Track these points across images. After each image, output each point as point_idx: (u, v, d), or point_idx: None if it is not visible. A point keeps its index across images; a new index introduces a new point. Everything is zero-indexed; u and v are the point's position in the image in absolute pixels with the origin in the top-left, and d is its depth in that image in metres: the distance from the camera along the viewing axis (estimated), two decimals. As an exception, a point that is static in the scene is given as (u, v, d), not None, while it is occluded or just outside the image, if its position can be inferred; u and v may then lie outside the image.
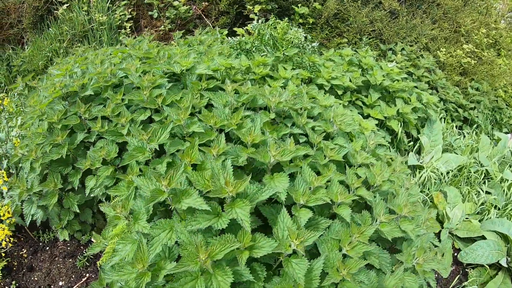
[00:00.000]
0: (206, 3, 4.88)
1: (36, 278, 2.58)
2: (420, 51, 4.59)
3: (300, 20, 4.51)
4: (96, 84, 2.53)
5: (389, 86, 3.60)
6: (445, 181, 3.47)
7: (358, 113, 3.36)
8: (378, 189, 2.00)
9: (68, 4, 4.81)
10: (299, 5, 4.46)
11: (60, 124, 2.43)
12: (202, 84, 2.44)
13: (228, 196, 1.53)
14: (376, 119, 3.35)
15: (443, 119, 4.19)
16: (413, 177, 3.43)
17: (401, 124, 3.54)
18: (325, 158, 1.99)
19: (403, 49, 4.52)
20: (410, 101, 3.67)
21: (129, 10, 5.05)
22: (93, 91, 2.50)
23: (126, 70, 2.52)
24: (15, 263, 2.68)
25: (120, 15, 4.91)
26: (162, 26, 4.91)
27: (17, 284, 2.53)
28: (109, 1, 4.91)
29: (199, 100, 2.25)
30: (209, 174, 1.63)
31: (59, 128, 2.41)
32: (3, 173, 2.65)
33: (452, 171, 3.56)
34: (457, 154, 3.80)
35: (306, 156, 1.95)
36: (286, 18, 3.80)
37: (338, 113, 2.31)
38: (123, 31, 4.83)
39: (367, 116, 3.42)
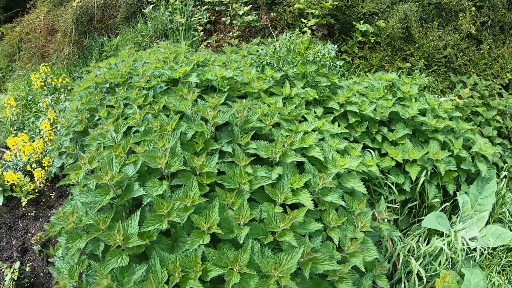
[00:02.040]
0: (274, 14, 5.40)
1: (49, 214, 3.56)
2: (499, 88, 4.26)
3: (361, 38, 4.64)
4: (115, 79, 3.32)
5: (424, 123, 3.43)
6: (472, 261, 2.98)
7: (376, 149, 3.34)
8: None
9: (154, 4, 5.94)
10: (361, 22, 4.60)
11: (84, 106, 3.28)
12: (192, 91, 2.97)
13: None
14: (395, 160, 3.22)
15: (503, 179, 3.63)
16: (425, 243, 3.06)
17: (427, 173, 3.27)
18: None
19: (476, 83, 4.26)
20: (454, 146, 3.38)
21: (208, 14, 5.92)
22: (109, 85, 3.29)
23: (138, 71, 3.24)
24: (43, 200, 3.80)
25: (198, 19, 5.81)
26: (231, 33, 5.62)
27: (35, 213, 3.64)
28: (192, 5, 5.86)
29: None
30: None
31: (85, 109, 3.26)
32: (51, 132, 3.75)
33: (492, 250, 3.05)
34: (512, 230, 3.19)
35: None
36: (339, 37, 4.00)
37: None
38: (195, 33, 5.70)
39: (384, 154, 3.33)
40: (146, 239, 1.84)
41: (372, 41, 4.61)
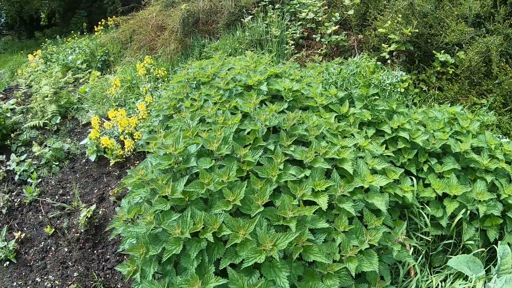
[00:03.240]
0: (362, 36, 5.98)
1: None
2: None
3: (440, 69, 4.90)
4: (202, 78, 4.24)
5: (475, 161, 3.59)
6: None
7: (420, 178, 3.58)
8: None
9: (253, 16, 6.89)
10: (442, 51, 4.90)
11: (174, 95, 4.25)
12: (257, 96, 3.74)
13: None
14: (436, 192, 3.42)
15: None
16: (448, 284, 3.11)
17: (466, 212, 3.37)
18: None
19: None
20: (503, 191, 3.46)
21: (302, 30, 6.70)
22: (196, 82, 4.22)
23: (221, 74, 4.12)
24: (127, 165, 4.96)
25: (292, 33, 6.62)
26: (320, 50, 6.32)
27: (119, 173, 4.82)
28: (287, 20, 6.71)
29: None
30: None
31: (174, 98, 4.23)
32: (146, 113, 4.83)
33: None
34: None
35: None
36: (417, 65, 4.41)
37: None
38: (287, 46, 6.51)
39: (428, 185, 3.57)
40: (187, 197, 2.64)
41: (451, 72, 4.84)
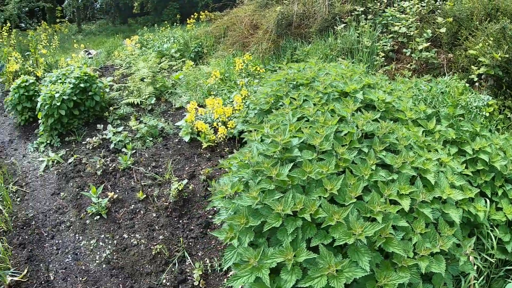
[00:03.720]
0: (452, 55, 6.16)
1: (219, 161, 5.20)
2: None
3: None
4: (301, 80, 4.71)
5: None
6: None
7: (494, 201, 3.77)
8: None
9: (346, 24, 7.27)
10: None
11: (273, 92, 4.76)
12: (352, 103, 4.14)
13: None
14: (506, 216, 3.62)
15: None
16: None
17: None
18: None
19: None
20: None
21: (392, 43, 6.98)
22: (295, 83, 4.69)
23: (319, 78, 4.56)
24: (217, 150, 5.58)
25: (382, 45, 6.92)
26: (409, 65, 6.57)
27: (209, 156, 5.42)
28: (379, 31, 7.01)
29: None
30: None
31: (273, 95, 4.74)
32: (241, 104, 5.39)
33: None
34: None
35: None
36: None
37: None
38: (377, 57, 6.82)
39: (499, 209, 3.75)
40: (290, 181, 3.11)
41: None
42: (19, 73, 10.52)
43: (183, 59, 9.75)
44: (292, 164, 3.21)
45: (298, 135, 3.52)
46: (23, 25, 22.39)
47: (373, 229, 2.86)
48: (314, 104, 4.09)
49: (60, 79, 7.27)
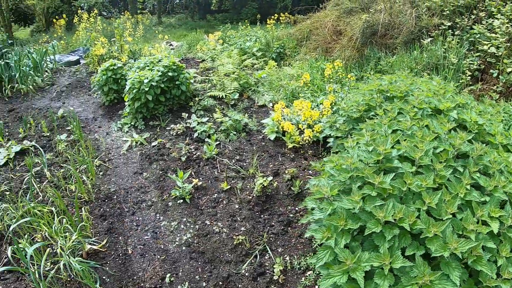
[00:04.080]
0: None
1: (303, 162, 5.55)
2: None
3: None
4: (394, 92, 4.90)
5: None
6: None
7: None
8: None
9: (433, 38, 7.31)
10: None
11: (365, 101, 4.97)
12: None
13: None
14: None
15: None
16: None
17: None
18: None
19: None
20: None
21: (479, 62, 6.95)
22: (388, 94, 4.89)
23: (413, 93, 4.72)
24: (301, 151, 5.91)
25: (469, 63, 6.91)
26: (495, 87, 6.54)
27: (293, 157, 5.73)
28: (466, 48, 7.00)
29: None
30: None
31: (364, 104, 4.95)
32: (329, 109, 5.65)
33: None
34: None
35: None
36: None
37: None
38: (463, 76, 6.83)
39: None
40: (391, 190, 3.35)
41: None
42: (104, 57, 11.38)
43: (264, 59, 10.12)
44: (394, 174, 3.45)
45: (397, 147, 3.74)
46: (105, 13, 23.94)
47: (467, 245, 3.05)
48: (411, 118, 4.28)
49: (148, 66, 7.85)
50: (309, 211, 3.87)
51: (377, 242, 3.21)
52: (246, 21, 14.97)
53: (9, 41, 13.01)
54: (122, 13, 22.91)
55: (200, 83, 8.84)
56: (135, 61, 10.87)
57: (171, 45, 14.11)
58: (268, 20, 12.43)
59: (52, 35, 19.90)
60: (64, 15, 19.33)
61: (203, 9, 24.96)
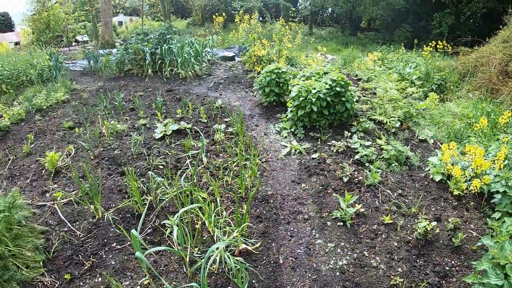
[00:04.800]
0: None
1: (465, 213, 5.40)
2: None
3: None
4: None
5: None
6: None
7: None
8: None
9: None
10: None
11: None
12: None
13: None
14: None
15: None
16: None
17: None
18: None
19: None
20: None
21: None
22: None
23: None
24: (463, 201, 5.56)
25: None
26: None
27: (455, 205, 5.50)
28: None
29: None
30: None
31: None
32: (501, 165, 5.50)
33: None
34: None
35: None
36: None
37: None
38: None
39: None
40: None
41: None
42: (262, 58, 12.05)
43: (423, 89, 9.97)
44: None
45: None
46: (260, 18, 25.38)
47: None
48: None
49: (314, 76, 8.15)
50: (474, 272, 3.70)
51: None
52: (401, 44, 14.75)
53: (173, 29, 14.45)
54: (276, 19, 24.05)
55: (360, 103, 8.93)
56: (291, 66, 11.43)
57: (325, 57, 14.46)
58: (425, 46, 12.14)
59: (208, 30, 21.63)
60: (223, 13, 20.89)
61: (353, 24, 25.06)
